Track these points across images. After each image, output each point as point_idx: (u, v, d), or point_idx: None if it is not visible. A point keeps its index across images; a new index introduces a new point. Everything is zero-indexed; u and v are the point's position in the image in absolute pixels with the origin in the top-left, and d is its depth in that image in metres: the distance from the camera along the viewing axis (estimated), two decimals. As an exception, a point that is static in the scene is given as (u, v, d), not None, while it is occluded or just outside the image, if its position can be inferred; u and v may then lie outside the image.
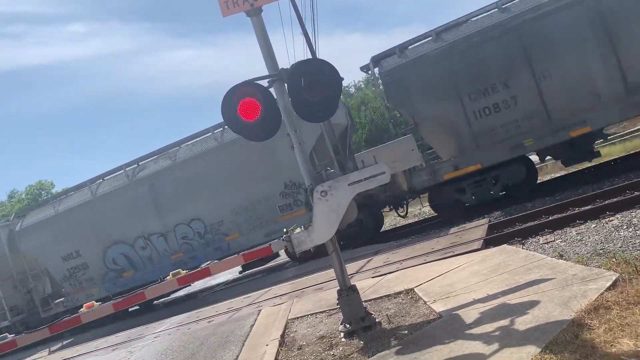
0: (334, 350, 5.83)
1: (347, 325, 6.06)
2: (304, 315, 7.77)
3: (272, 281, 13.15)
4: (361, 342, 5.71)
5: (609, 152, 16.81)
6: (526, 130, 12.18)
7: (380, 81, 13.57)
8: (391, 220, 18.32)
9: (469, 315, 5.33)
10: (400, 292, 7.19)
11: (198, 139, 15.50)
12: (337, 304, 6.28)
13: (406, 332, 5.58)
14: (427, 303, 6.29)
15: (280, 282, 12.39)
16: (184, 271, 6.50)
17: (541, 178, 15.76)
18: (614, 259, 5.71)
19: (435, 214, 15.15)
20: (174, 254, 15.41)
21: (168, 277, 6.54)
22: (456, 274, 7.17)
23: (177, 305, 16.07)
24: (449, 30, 12.91)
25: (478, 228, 10.45)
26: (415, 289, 7.06)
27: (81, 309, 6.70)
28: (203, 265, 6.69)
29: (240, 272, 16.72)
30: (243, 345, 7.29)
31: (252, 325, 8.27)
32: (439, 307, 5.94)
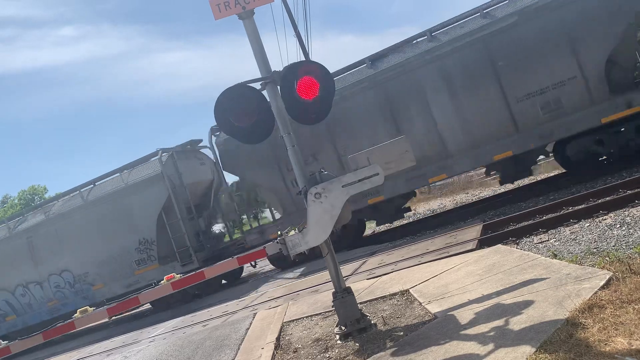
0: (329, 353, 5.82)
1: (343, 328, 6.05)
2: (300, 318, 7.75)
3: (267, 283, 13.12)
4: (357, 344, 5.71)
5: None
6: None
7: (216, 149, 14.99)
8: (386, 221, 18.33)
9: (464, 315, 5.33)
10: (395, 294, 7.19)
11: (70, 195, 17.28)
12: (333, 306, 6.28)
13: (402, 333, 5.58)
14: (422, 304, 6.29)
15: (275, 284, 12.37)
16: (178, 275, 6.48)
17: (535, 178, 15.82)
18: (607, 258, 5.73)
19: (431, 215, 15.20)
20: (49, 302, 16.95)
21: (162, 282, 6.52)
22: (451, 275, 7.17)
23: (173, 309, 16.00)
24: None
25: (472, 228, 10.47)
26: (410, 290, 7.06)
27: (75, 315, 6.67)
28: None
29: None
30: (239, 348, 7.27)
31: (248, 329, 8.25)
32: (434, 308, 5.95)
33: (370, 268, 9.88)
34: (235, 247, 15.79)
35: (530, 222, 9.42)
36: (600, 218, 8.14)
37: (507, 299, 5.33)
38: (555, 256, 6.68)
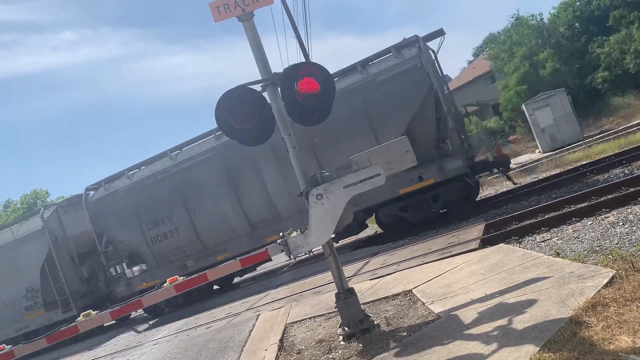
0: (332, 354, 5.81)
1: (346, 328, 6.04)
2: (303, 319, 7.75)
3: (270, 285, 13.12)
4: (360, 345, 5.70)
5: (604, 148, 16.87)
6: (189, 254, 15.31)
7: (86, 209, 16.45)
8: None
9: (467, 315, 5.32)
10: (398, 294, 7.18)
11: None
12: (336, 307, 6.27)
13: (405, 333, 5.57)
14: (426, 304, 6.28)
15: (278, 286, 12.37)
16: (181, 277, 6.48)
17: (537, 176, 15.79)
18: (610, 256, 5.72)
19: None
20: None
21: (165, 284, 6.53)
22: (454, 275, 7.16)
23: (178, 310, 16.01)
24: (136, 170, 16.28)
25: (475, 227, 10.46)
26: (413, 290, 7.05)
27: (78, 318, 6.67)
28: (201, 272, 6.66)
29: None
30: (242, 350, 7.27)
31: (251, 330, 8.24)
32: (437, 308, 5.94)
33: (373, 269, 9.87)
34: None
35: (532, 220, 9.41)
36: (603, 216, 8.13)
37: (510, 298, 5.32)
38: (558, 255, 6.66)
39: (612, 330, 3.84)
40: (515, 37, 32.46)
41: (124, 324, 16.56)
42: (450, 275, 7.18)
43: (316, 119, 6.29)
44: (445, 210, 13.53)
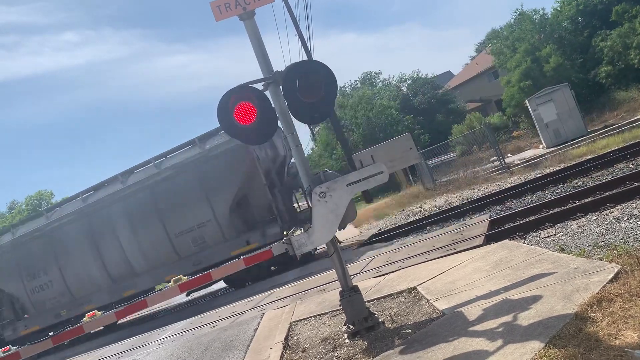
0: (338, 352, 5.81)
1: (351, 326, 6.04)
2: (307, 317, 7.75)
3: (274, 284, 13.14)
4: (365, 343, 5.70)
5: (608, 143, 16.79)
6: (62, 303, 16.89)
7: None
8: (392, 219, 18.30)
9: (472, 312, 5.31)
10: (402, 291, 7.17)
11: None
12: (340, 305, 6.27)
13: (410, 331, 5.57)
14: (430, 301, 6.27)
15: (282, 284, 12.38)
16: (185, 277, 6.49)
17: (541, 172, 15.75)
18: (615, 251, 5.70)
19: (437, 211, 15.17)
20: None
21: (170, 284, 6.53)
22: (458, 271, 7.15)
23: (182, 311, 16.06)
24: (20, 226, 18.27)
25: (479, 224, 10.44)
26: (417, 288, 7.04)
27: (84, 318, 6.69)
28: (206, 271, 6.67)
29: (187, 295, 18.35)
30: (247, 349, 7.28)
31: (256, 329, 8.25)
32: (441, 305, 5.93)
33: (377, 266, 9.87)
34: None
35: (537, 216, 9.38)
36: (608, 211, 8.09)
37: (515, 295, 5.30)
38: (562, 250, 6.64)
39: (618, 326, 3.82)
40: (518, 33, 32.34)
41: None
42: (455, 272, 7.17)
43: (318, 117, 6.28)
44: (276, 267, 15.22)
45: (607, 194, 9.02)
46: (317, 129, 44.63)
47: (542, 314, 4.52)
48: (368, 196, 29.05)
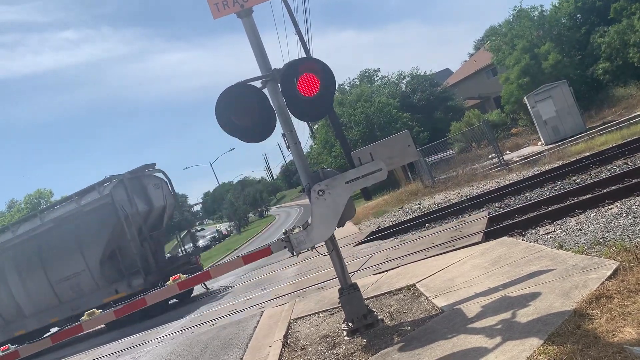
0: (337, 349, 5.82)
1: (350, 324, 6.04)
2: (307, 315, 7.76)
3: (273, 282, 13.13)
4: (364, 340, 5.70)
5: (607, 139, 16.79)
6: None
7: None
8: (391, 217, 18.31)
9: (471, 309, 5.32)
10: (401, 289, 7.18)
11: None
12: (339, 303, 6.27)
13: (409, 328, 5.57)
14: (429, 298, 6.27)
15: (281, 282, 12.39)
16: (184, 275, 6.48)
17: (540, 169, 15.76)
18: (614, 248, 5.69)
19: (436, 208, 15.19)
20: None
21: (169, 282, 6.53)
22: (457, 268, 7.16)
23: (180, 308, 16.05)
24: None
25: (478, 221, 10.44)
26: (416, 285, 7.05)
27: (82, 317, 6.68)
28: (204, 269, 6.66)
29: None
30: (247, 347, 7.29)
31: (255, 327, 8.26)
32: (440, 302, 5.93)
33: (376, 263, 9.87)
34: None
35: (535, 213, 9.38)
36: (606, 207, 8.10)
37: (514, 292, 5.31)
38: (561, 247, 6.64)
39: (616, 323, 3.83)
40: (517, 29, 32.30)
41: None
42: (454, 269, 7.17)
43: (317, 115, 6.26)
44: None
45: (605, 190, 9.02)
46: (316, 126, 44.62)
47: (541, 311, 4.52)
48: (367, 194, 29.04)
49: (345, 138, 30.40)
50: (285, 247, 5.94)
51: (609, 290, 4.41)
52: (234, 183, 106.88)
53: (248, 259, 6.25)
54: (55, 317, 17.23)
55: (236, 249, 41.19)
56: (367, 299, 7.00)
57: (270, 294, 11.25)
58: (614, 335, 3.67)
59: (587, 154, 15.01)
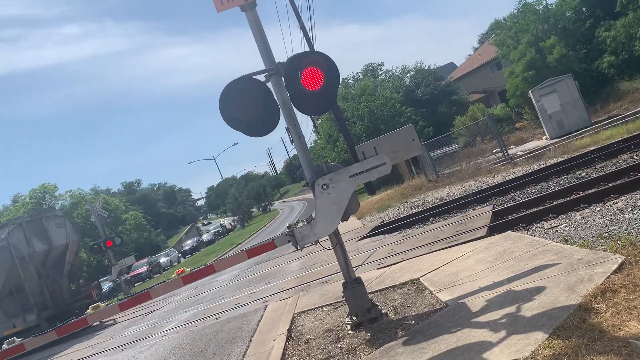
0: (341, 343, 5.82)
1: (354, 318, 6.05)
2: (311, 309, 7.77)
3: (277, 276, 13.16)
4: (368, 334, 5.71)
5: (612, 133, 16.71)
6: None
7: None
8: (395, 211, 18.29)
9: (475, 303, 5.31)
10: (405, 283, 7.18)
11: None
12: (343, 297, 6.27)
13: (413, 322, 5.57)
14: (433, 292, 6.27)
15: (285, 276, 12.41)
16: (189, 269, 6.50)
17: (544, 163, 15.70)
18: (619, 242, 5.66)
19: (440, 203, 15.17)
20: None
21: (173, 276, 6.54)
22: (461, 263, 7.15)
23: (185, 301, 16.11)
24: None
25: (482, 215, 10.42)
26: (420, 279, 7.04)
27: (87, 311, 6.71)
28: (208, 263, 6.67)
29: None
30: (251, 340, 7.31)
31: (259, 321, 8.28)
32: (445, 296, 5.92)
33: (380, 258, 9.87)
34: None
35: (540, 207, 9.35)
36: (612, 202, 8.06)
37: (519, 286, 5.30)
38: (566, 241, 6.62)
39: (622, 317, 3.81)
40: (522, 23, 32.12)
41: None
42: (458, 264, 7.16)
43: (320, 109, 6.25)
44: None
45: (611, 184, 8.98)
46: (320, 121, 44.57)
47: (545, 305, 4.51)
48: (371, 188, 29.02)
49: (349, 132, 30.36)
50: (289, 242, 5.94)
51: (615, 284, 4.39)
52: (238, 178, 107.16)
53: (252, 252, 6.25)
54: None
55: (240, 244, 41.32)
56: (371, 293, 7.00)
57: (274, 288, 11.27)
58: (619, 329, 3.66)
59: (592, 148, 14.93)
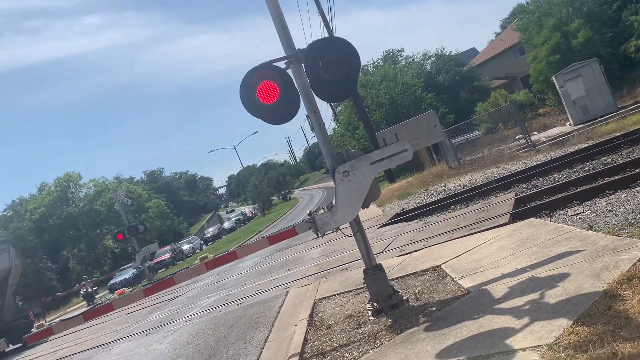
0: (362, 329, 5.85)
1: (375, 304, 6.06)
2: (331, 295, 7.81)
3: (298, 263, 13.24)
4: (389, 320, 5.72)
5: (639, 119, 16.33)
6: None
7: None
8: (415, 199, 18.21)
9: (498, 290, 5.28)
10: (427, 270, 7.16)
11: None
12: (364, 283, 6.29)
13: (434, 308, 5.56)
14: (455, 279, 6.24)
15: (306, 263, 12.48)
16: (211, 255, 6.57)
17: (568, 149, 15.44)
18: (646, 229, 5.57)
19: (461, 190, 15.04)
20: None
21: (196, 262, 6.64)
22: (483, 250, 7.10)
23: (204, 288, 16.32)
24: None
25: (504, 202, 10.31)
26: (442, 266, 7.02)
27: (113, 296, 6.86)
28: (230, 249, 6.75)
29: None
30: (272, 326, 7.38)
31: (281, 307, 8.36)
32: (466, 283, 5.90)
33: (401, 245, 9.86)
34: None
35: (564, 194, 9.22)
36: (638, 188, 7.90)
37: (542, 273, 5.25)
38: (591, 228, 6.52)
39: (649, 304, 3.75)
40: (545, 7, 31.45)
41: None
42: (480, 251, 7.11)
43: (342, 95, 6.22)
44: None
45: (637, 170, 8.80)
46: (339, 108, 44.42)
47: (570, 292, 4.46)
48: (391, 176, 28.90)
49: (369, 120, 30.21)
50: (309, 229, 5.98)
51: (641, 271, 4.32)
52: (258, 166, 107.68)
53: (273, 239, 6.30)
54: None
55: (260, 231, 41.64)
56: (392, 279, 7.01)
57: (295, 274, 11.35)
58: (646, 316, 3.60)
59: (618, 133, 14.63)
